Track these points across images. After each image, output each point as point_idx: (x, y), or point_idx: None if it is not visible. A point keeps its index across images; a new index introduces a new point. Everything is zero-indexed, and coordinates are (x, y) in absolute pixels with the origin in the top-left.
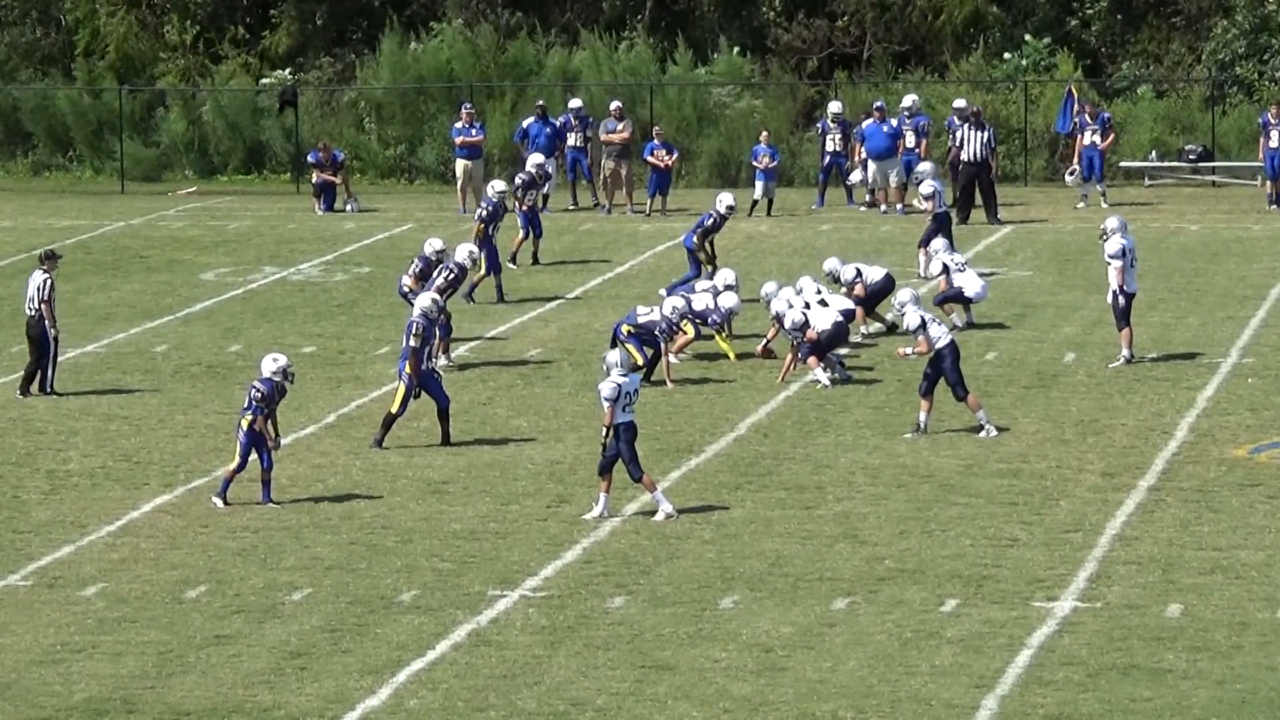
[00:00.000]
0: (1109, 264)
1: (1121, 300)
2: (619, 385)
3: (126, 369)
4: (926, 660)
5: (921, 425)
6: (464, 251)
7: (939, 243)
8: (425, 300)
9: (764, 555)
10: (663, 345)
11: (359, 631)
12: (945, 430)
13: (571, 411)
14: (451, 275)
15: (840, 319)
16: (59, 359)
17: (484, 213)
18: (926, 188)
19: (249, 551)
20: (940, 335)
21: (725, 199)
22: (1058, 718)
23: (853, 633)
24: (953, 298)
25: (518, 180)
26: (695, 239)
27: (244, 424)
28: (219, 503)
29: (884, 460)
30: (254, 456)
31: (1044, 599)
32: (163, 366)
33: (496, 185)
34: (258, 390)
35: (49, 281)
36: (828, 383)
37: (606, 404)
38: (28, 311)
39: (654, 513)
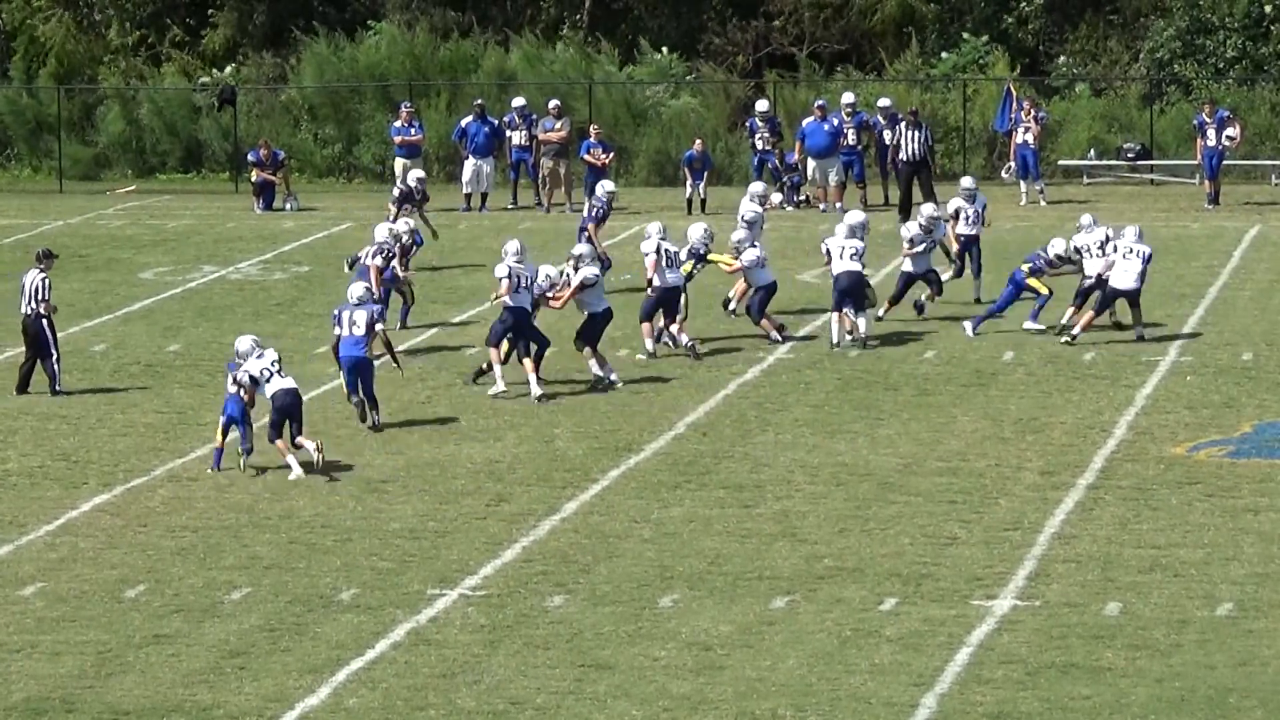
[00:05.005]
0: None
1: (1091, 283)
2: (510, 268)
3: (65, 368)
4: (866, 658)
5: (836, 339)
6: (389, 229)
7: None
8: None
9: (703, 554)
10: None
11: (298, 630)
12: (883, 430)
13: (510, 410)
14: (389, 254)
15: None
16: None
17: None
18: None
19: (188, 550)
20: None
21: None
22: (997, 716)
23: (792, 631)
24: (900, 295)
25: (396, 192)
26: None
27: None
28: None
29: (823, 459)
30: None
31: (983, 597)
32: (101, 365)
33: (405, 206)
34: (235, 382)
35: (47, 281)
36: (650, 352)
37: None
38: (24, 311)
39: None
